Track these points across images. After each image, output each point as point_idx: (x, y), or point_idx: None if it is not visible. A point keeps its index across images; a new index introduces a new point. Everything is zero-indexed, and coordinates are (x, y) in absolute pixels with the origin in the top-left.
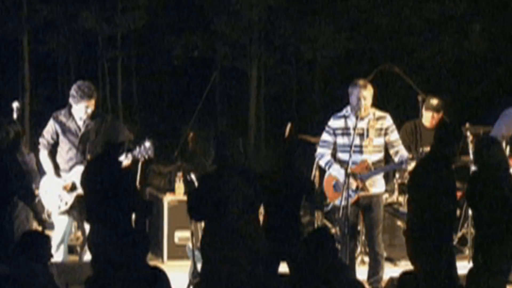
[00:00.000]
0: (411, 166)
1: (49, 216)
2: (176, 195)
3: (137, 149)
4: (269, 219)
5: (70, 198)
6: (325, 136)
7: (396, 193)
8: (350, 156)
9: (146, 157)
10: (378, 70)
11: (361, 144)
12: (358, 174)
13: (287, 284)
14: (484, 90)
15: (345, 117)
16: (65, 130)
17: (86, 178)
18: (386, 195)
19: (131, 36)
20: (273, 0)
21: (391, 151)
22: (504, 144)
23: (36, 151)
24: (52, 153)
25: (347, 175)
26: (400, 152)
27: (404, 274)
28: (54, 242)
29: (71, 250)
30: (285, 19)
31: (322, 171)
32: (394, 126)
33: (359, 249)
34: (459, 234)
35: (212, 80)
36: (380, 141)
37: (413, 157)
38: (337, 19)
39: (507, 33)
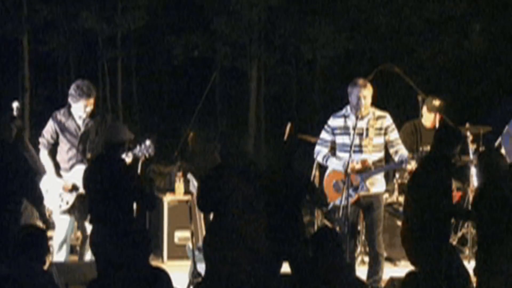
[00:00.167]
0: (411, 165)
1: (50, 215)
2: (176, 195)
3: (138, 147)
4: (269, 219)
5: (71, 198)
6: (323, 135)
7: (396, 193)
8: (350, 155)
9: (147, 155)
10: (378, 70)
11: (361, 144)
12: (358, 175)
13: (288, 284)
14: (484, 90)
15: (345, 116)
16: (64, 129)
17: (88, 178)
18: (386, 195)
19: (131, 36)
20: (273, 0)
21: (391, 151)
22: None
23: (36, 151)
24: (52, 152)
25: (347, 175)
26: (400, 151)
27: (409, 274)
28: (56, 242)
29: (71, 250)
30: (285, 19)
31: (322, 171)
32: (394, 126)
33: (359, 249)
34: (459, 234)
35: (212, 80)
36: (380, 140)
37: (413, 156)
38: (337, 19)
39: (507, 33)
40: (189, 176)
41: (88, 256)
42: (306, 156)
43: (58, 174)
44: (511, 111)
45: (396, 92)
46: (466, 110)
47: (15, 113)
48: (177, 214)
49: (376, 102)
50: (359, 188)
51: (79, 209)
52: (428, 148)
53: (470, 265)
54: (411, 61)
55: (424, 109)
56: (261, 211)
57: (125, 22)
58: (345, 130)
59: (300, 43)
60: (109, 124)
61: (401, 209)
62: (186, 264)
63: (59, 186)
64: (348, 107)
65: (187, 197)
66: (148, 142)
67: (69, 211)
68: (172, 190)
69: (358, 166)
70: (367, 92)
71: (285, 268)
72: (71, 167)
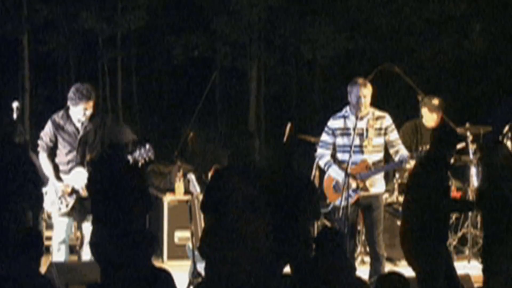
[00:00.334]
0: (411, 164)
1: (49, 217)
2: (176, 195)
3: (137, 151)
4: (269, 219)
5: (71, 201)
6: (324, 137)
7: (396, 193)
8: (350, 156)
9: (147, 159)
10: (378, 70)
11: (361, 144)
12: (358, 174)
13: (289, 284)
14: (484, 90)
15: (345, 117)
16: (63, 132)
17: (91, 180)
18: (386, 195)
19: (131, 36)
20: (273, 0)
21: (391, 151)
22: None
23: (36, 152)
24: (51, 155)
25: (347, 175)
26: (400, 151)
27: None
28: (55, 243)
29: (71, 250)
30: (285, 19)
31: (322, 171)
32: (393, 126)
33: (359, 249)
34: (459, 234)
35: (212, 80)
36: (379, 141)
37: (413, 156)
38: (337, 19)
39: (507, 33)
40: (189, 176)
41: (86, 256)
42: (306, 156)
43: (58, 177)
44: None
45: (396, 92)
46: (466, 110)
47: (15, 113)
48: (177, 214)
49: (376, 102)
50: (359, 189)
51: (78, 210)
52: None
53: (470, 265)
54: (411, 61)
55: (425, 110)
56: (262, 211)
57: (125, 22)
58: (345, 131)
59: (300, 43)
60: (111, 125)
61: (401, 209)
62: (186, 264)
63: (59, 189)
64: (348, 108)
65: (187, 197)
66: (148, 146)
67: (68, 213)
68: (172, 190)
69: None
70: (367, 91)
71: (286, 268)
72: (70, 169)
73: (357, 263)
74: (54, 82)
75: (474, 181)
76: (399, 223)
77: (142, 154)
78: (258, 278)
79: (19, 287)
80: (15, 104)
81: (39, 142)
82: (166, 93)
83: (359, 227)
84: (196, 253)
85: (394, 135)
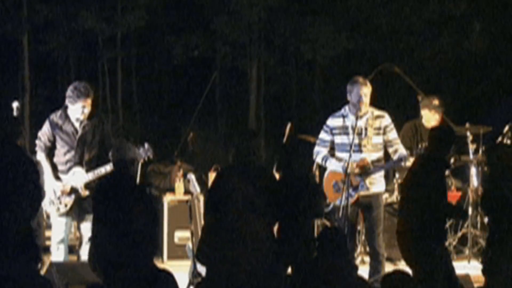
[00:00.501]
0: (411, 162)
1: (48, 217)
2: (176, 195)
3: (136, 150)
4: (269, 220)
5: (69, 201)
6: (322, 135)
7: (396, 193)
8: (350, 155)
9: (146, 158)
10: (378, 70)
11: (360, 143)
12: (357, 175)
13: (290, 284)
14: (484, 90)
15: (343, 116)
16: (61, 132)
17: (98, 198)
18: (386, 195)
19: (131, 36)
20: (273, 0)
21: (390, 150)
22: None
23: (33, 152)
24: (49, 155)
25: (347, 175)
26: (399, 150)
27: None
28: (53, 243)
29: (70, 250)
30: (285, 19)
31: (322, 171)
32: (392, 125)
33: (359, 249)
34: (459, 234)
35: (212, 80)
36: (378, 140)
37: (413, 153)
38: (337, 19)
39: (507, 33)
40: (189, 176)
41: (86, 256)
42: (306, 156)
43: (56, 177)
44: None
45: (396, 92)
46: (466, 110)
47: (15, 113)
48: (177, 214)
49: (376, 102)
50: (359, 188)
51: (77, 210)
52: None
53: (470, 265)
54: (411, 61)
55: (425, 111)
56: (262, 211)
57: (125, 22)
58: (343, 130)
59: (300, 43)
60: (119, 142)
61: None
62: (186, 264)
63: (58, 189)
64: (347, 107)
65: (187, 197)
66: (147, 145)
67: (67, 213)
68: (172, 190)
69: (357, 170)
70: (367, 90)
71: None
72: (69, 169)
73: (357, 263)
74: (54, 82)
75: (474, 181)
76: None
77: (141, 153)
78: (258, 278)
79: (19, 287)
80: (15, 104)
81: (37, 142)
82: (166, 93)
83: (359, 227)
84: None
85: (393, 135)
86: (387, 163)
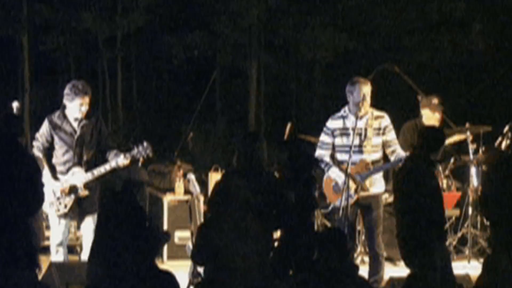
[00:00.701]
0: None
1: (47, 217)
2: (176, 195)
3: (135, 149)
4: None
5: (69, 201)
6: (323, 137)
7: None
8: (350, 156)
9: (145, 156)
10: (378, 70)
11: (360, 144)
12: (357, 175)
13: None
14: (484, 90)
15: (343, 117)
16: (60, 132)
17: (104, 217)
18: (386, 195)
19: (131, 36)
20: (273, 0)
21: (388, 151)
22: None
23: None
24: (47, 156)
25: (347, 175)
26: (397, 151)
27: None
28: (52, 244)
29: (71, 250)
30: (285, 19)
31: (322, 171)
32: (391, 126)
33: (359, 249)
34: (459, 234)
35: (212, 80)
36: (378, 140)
37: None
38: (337, 19)
39: (507, 33)
40: (189, 176)
41: (84, 256)
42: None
43: (55, 177)
44: None
45: (396, 92)
46: (466, 110)
47: (15, 113)
48: (177, 214)
49: (376, 102)
50: (359, 189)
51: (77, 211)
52: None
53: (470, 265)
54: (411, 61)
55: (426, 110)
56: (262, 211)
57: (125, 22)
58: (344, 131)
59: (300, 43)
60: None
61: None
62: (186, 264)
63: (57, 190)
64: (346, 108)
65: (187, 197)
66: (145, 144)
67: (67, 213)
68: (172, 190)
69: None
70: (368, 89)
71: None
72: (68, 170)
73: (357, 263)
74: (54, 82)
75: (474, 181)
76: None
77: (140, 151)
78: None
79: None
80: (15, 104)
81: (35, 143)
82: (166, 93)
83: (359, 227)
84: None
85: (391, 135)
86: (387, 164)
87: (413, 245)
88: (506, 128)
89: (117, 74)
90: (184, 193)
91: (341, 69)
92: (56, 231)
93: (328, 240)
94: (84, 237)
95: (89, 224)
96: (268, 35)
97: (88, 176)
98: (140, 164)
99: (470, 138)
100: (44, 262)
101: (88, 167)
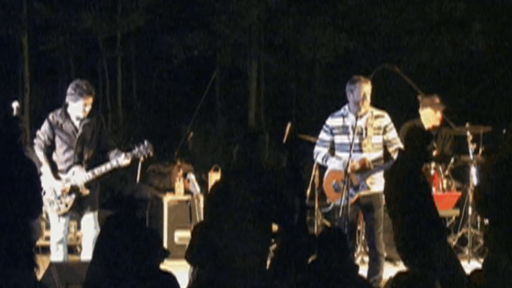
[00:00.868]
0: None
1: (47, 216)
2: (176, 195)
3: (136, 148)
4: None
5: (70, 200)
6: (322, 135)
7: None
8: (350, 155)
9: (146, 156)
10: (378, 70)
11: (360, 143)
12: (357, 174)
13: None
14: (484, 90)
15: (343, 116)
16: (61, 131)
17: (106, 233)
18: None
19: (131, 36)
20: (273, 0)
21: (390, 149)
22: None
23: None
24: (48, 154)
25: (347, 176)
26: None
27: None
28: (52, 243)
29: (71, 250)
30: (285, 19)
31: (322, 171)
32: (392, 125)
33: (359, 249)
34: (459, 234)
35: (212, 80)
36: (378, 139)
37: None
38: (337, 19)
39: (507, 33)
40: (189, 176)
41: (86, 256)
42: (306, 156)
43: (56, 176)
44: None
45: (396, 92)
46: (466, 110)
47: (15, 113)
48: (177, 214)
49: (376, 102)
50: (359, 188)
51: (78, 210)
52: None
53: (470, 265)
54: (411, 61)
55: (428, 110)
56: (261, 211)
57: (125, 22)
58: (343, 130)
59: (300, 43)
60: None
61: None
62: (186, 264)
63: (58, 189)
64: (346, 107)
65: (187, 197)
66: (146, 143)
67: (67, 212)
68: (172, 190)
69: (358, 166)
70: (368, 88)
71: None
72: (68, 168)
73: (357, 263)
74: (54, 82)
75: (474, 181)
76: None
77: (141, 151)
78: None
79: None
80: (15, 104)
81: (36, 140)
82: (166, 93)
83: (359, 227)
84: None
85: (392, 134)
86: (387, 163)
87: (412, 246)
88: (505, 131)
89: (117, 74)
90: (184, 193)
91: (341, 69)
92: (56, 229)
93: (328, 240)
94: (84, 236)
95: (89, 221)
96: (268, 35)
97: (89, 175)
98: (140, 164)
99: (470, 138)
100: (44, 262)
101: (89, 166)
